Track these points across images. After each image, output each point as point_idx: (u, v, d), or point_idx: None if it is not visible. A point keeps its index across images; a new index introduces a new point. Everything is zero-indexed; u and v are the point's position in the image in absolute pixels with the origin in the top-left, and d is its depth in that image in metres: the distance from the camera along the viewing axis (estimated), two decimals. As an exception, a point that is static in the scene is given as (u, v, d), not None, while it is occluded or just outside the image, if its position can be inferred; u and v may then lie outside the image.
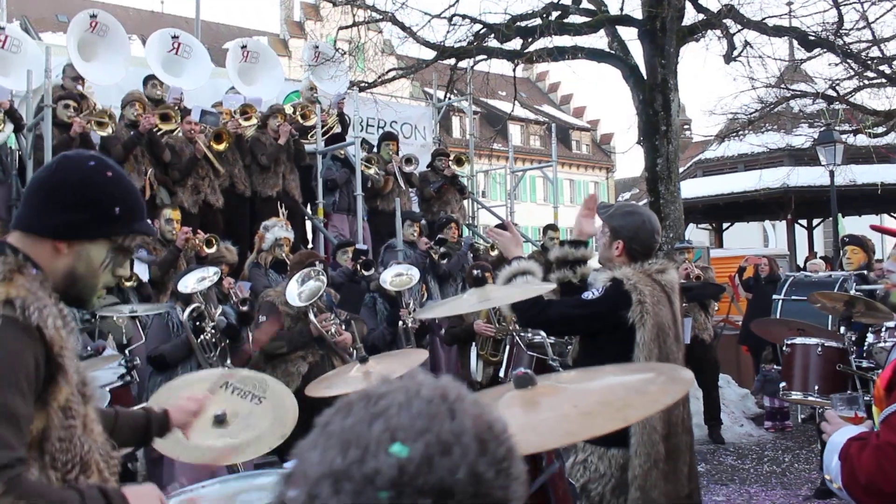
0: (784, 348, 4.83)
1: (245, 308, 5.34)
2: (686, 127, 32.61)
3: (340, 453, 0.82)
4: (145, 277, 6.24)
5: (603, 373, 1.79)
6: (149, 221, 1.96)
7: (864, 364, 4.50)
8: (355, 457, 0.81)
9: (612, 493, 2.95)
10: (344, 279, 6.76)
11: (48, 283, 1.73)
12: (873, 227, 3.17)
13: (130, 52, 8.92)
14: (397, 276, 6.38)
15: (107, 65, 8.50)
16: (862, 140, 15.88)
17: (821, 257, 16.11)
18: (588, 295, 3.10)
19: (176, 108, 8.44)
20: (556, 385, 1.61)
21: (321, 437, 0.86)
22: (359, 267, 6.86)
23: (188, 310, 5.07)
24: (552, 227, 9.58)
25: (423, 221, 8.81)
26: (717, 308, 9.18)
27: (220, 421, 2.98)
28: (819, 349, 4.56)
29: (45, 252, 1.76)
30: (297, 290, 5.15)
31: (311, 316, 5.10)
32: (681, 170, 12.63)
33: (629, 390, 1.54)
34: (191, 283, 5.17)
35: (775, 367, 8.10)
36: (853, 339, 4.54)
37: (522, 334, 5.22)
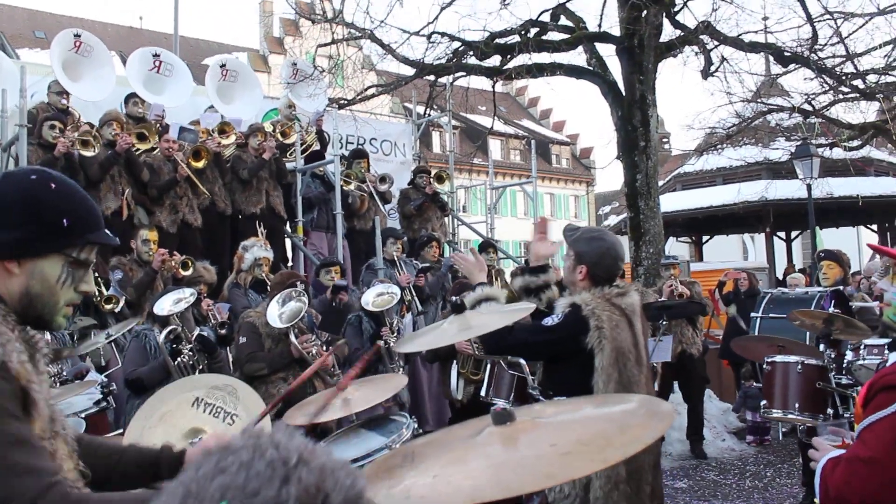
0: (764, 366, 4.84)
1: (223, 331, 5.29)
2: (665, 140, 32.89)
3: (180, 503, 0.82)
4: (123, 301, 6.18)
5: (583, 405, 1.77)
6: (107, 231, 1.88)
7: (844, 381, 4.52)
8: None
9: None
10: (321, 309, 6.72)
11: (10, 315, 1.68)
12: (871, 247, 3.18)
13: (115, 71, 8.90)
14: (379, 295, 6.36)
15: (94, 82, 8.51)
16: (838, 153, 16.06)
17: (799, 269, 16.27)
18: (548, 321, 3.13)
19: (157, 125, 8.39)
20: (535, 420, 1.59)
21: (176, 484, 0.86)
22: (335, 304, 6.85)
23: (164, 332, 5.01)
24: None
25: (405, 238, 8.80)
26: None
27: (196, 450, 2.94)
28: (799, 367, 4.58)
29: None
30: (278, 312, 5.12)
31: (292, 337, 5.06)
32: (660, 183, 12.72)
33: (610, 428, 1.52)
34: (167, 305, 5.12)
35: (755, 383, 8.13)
36: (833, 356, 4.56)
37: (503, 354, 5.21)
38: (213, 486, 0.82)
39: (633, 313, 3.23)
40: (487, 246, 8.70)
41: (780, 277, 16.63)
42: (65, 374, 4.66)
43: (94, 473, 1.88)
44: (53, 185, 1.75)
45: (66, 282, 1.76)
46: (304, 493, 0.81)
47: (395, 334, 6.18)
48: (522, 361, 2.85)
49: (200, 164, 7.85)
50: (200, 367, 5.07)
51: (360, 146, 10.88)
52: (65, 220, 1.73)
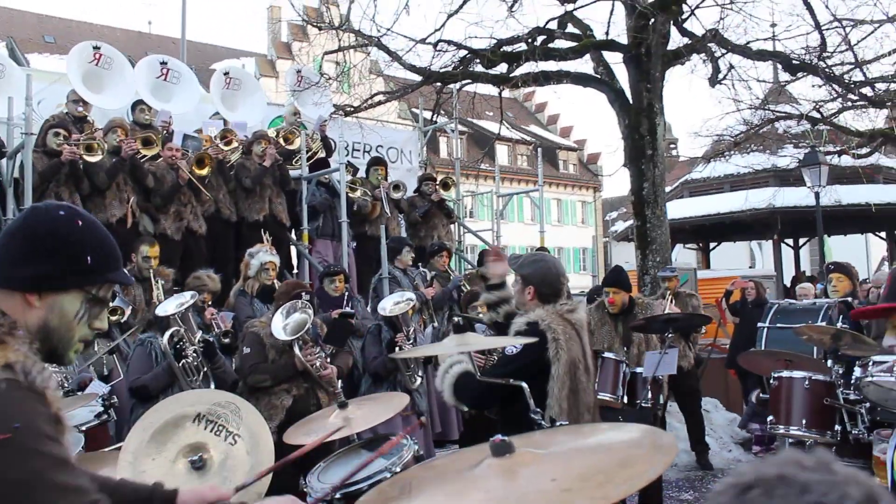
0: (772, 381, 4.79)
1: (227, 340, 5.26)
2: (672, 146, 32.79)
3: None
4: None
5: (584, 435, 1.74)
6: (125, 271, 1.91)
7: (852, 397, 4.47)
8: None
9: None
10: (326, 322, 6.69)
11: (34, 344, 1.69)
12: (854, 314, 3.12)
13: (134, 80, 8.95)
14: (396, 304, 6.35)
15: (116, 93, 8.66)
16: (847, 160, 15.98)
17: (808, 277, 16.17)
18: (511, 350, 3.38)
19: (164, 132, 8.41)
20: (535, 452, 1.56)
21: None
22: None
23: (167, 333, 4.99)
24: (541, 249, 9.60)
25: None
26: (704, 331, 9.12)
27: (198, 468, 2.91)
28: (806, 382, 4.54)
29: (16, 306, 1.71)
30: (283, 323, 5.07)
31: (297, 350, 5.02)
32: (668, 190, 12.67)
33: (612, 461, 1.49)
34: (170, 307, 5.11)
35: (762, 394, 8.06)
36: (840, 371, 4.51)
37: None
38: None
39: (581, 328, 3.58)
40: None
41: (788, 285, 16.54)
42: (67, 385, 4.63)
43: None
44: (80, 223, 1.78)
45: (82, 318, 1.78)
46: None
47: (411, 342, 6.15)
48: (524, 385, 2.83)
49: (204, 172, 7.84)
50: (205, 368, 5.06)
51: (367, 153, 10.89)
52: (88, 258, 1.76)
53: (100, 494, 1.61)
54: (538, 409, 2.78)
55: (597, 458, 1.54)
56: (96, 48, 8.58)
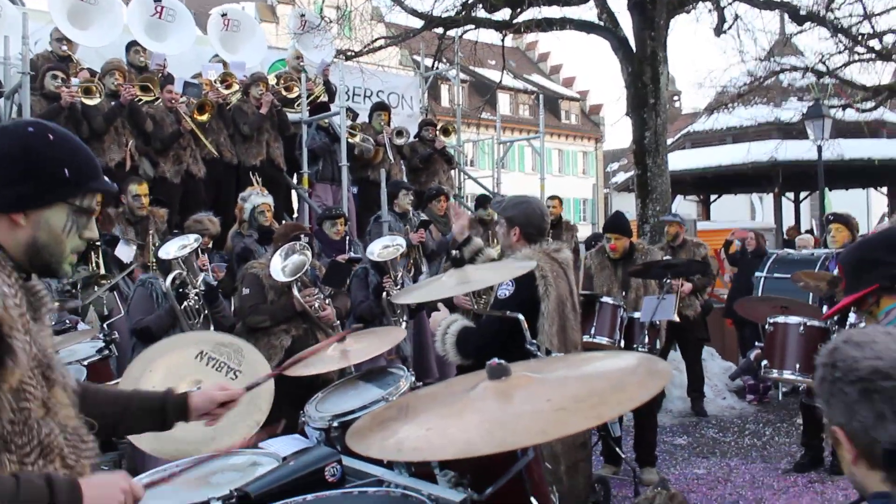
0: (767, 326, 4.83)
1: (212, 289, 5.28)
2: (675, 98, 32.51)
3: None
4: (127, 259, 6.14)
5: (582, 363, 1.76)
6: (106, 178, 1.92)
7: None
8: None
9: None
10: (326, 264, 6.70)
11: (7, 262, 1.69)
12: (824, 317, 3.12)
13: (125, 17, 8.73)
14: (385, 247, 6.34)
15: (104, 29, 8.41)
16: (851, 114, 15.86)
17: (806, 231, 16.17)
18: (502, 293, 3.43)
19: (159, 74, 8.30)
20: (530, 375, 1.58)
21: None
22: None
23: (171, 276, 5.03)
24: (553, 197, 9.64)
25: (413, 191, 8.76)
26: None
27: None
28: (801, 328, 4.58)
29: (2, 227, 1.72)
30: (281, 265, 5.09)
31: (295, 291, 5.04)
32: (669, 142, 12.59)
33: (606, 384, 1.51)
34: (172, 250, 5.13)
35: (757, 343, 8.10)
36: (836, 318, 4.54)
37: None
38: None
39: (567, 266, 3.64)
40: (486, 200, 8.67)
41: (786, 238, 16.55)
42: (67, 322, 4.67)
43: (103, 421, 1.95)
44: (52, 137, 1.77)
45: (71, 230, 1.79)
46: None
47: (398, 286, 6.17)
48: (521, 317, 2.85)
49: (204, 118, 7.79)
50: (205, 311, 5.09)
51: (368, 98, 10.79)
52: (66, 171, 1.76)
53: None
54: (534, 342, 2.80)
55: (592, 382, 1.56)
56: None
